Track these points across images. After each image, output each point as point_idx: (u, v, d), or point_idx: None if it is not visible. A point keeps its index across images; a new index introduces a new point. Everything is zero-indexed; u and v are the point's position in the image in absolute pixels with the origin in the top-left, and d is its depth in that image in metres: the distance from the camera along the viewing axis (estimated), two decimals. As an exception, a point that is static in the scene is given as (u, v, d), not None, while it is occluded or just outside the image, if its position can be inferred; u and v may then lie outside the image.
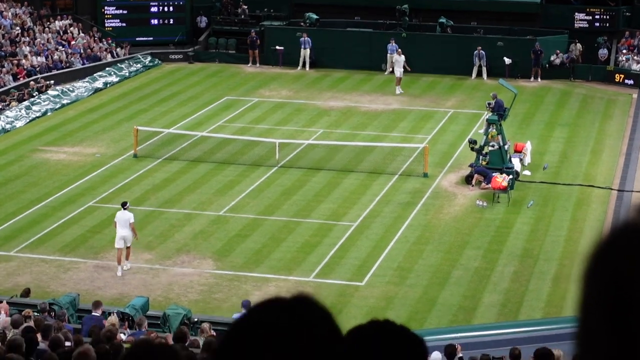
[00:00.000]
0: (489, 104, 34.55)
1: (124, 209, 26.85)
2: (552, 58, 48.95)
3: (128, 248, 26.81)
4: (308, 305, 2.39)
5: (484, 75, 48.36)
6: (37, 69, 46.15)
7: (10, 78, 44.45)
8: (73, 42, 49.62)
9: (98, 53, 49.65)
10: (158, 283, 26.25)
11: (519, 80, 47.53)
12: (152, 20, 53.51)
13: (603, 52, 49.50)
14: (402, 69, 45.69)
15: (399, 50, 46.60)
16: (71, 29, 50.81)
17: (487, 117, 34.99)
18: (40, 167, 35.40)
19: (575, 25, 50.96)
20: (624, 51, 49.06)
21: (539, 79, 48.23)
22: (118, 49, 50.94)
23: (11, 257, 27.70)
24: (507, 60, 48.14)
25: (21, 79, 44.76)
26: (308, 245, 28.55)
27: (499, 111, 34.21)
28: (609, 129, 40.64)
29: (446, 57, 48.87)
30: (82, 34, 50.61)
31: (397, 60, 45.99)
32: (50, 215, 30.72)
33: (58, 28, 50.51)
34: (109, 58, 49.84)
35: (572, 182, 34.07)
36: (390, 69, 48.54)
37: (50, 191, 32.85)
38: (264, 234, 29.40)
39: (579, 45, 49.12)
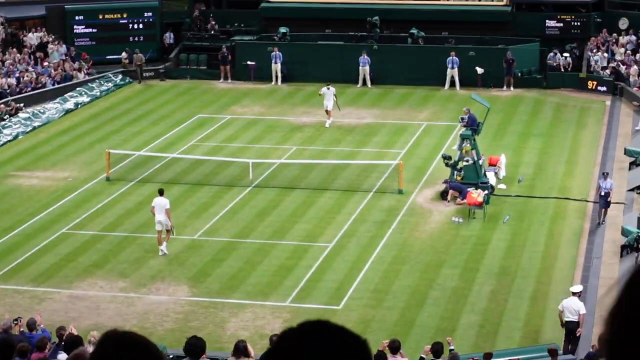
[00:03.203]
0: (462, 119, 34.45)
1: (160, 195, 29.21)
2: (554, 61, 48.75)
3: (168, 232, 28.97)
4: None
5: (457, 85, 48.26)
6: (7, 90, 45.76)
7: (-20, 101, 44.08)
8: (45, 64, 49.09)
9: (70, 72, 49.18)
10: (133, 312, 26.00)
11: (491, 89, 47.56)
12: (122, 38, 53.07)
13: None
14: (333, 102, 42.44)
15: (329, 86, 42.88)
16: (50, 46, 50.27)
17: (460, 132, 34.93)
18: (12, 194, 35.06)
19: (547, 32, 51.00)
20: (594, 50, 48.99)
21: (512, 88, 48.18)
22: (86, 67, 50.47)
23: (-16, 289, 27.38)
24: (480, 70, 48.08)
25: (-9, 101, 44.39)
26: (284, 269, 28.33)
27: (473, 126, 34.12)
28: (583, 138, 40.57)
29: (418, 68, 48.77)
30: (57, 52, 50.12)
31: (326, 94, 42.48)
32: (24, 244, 30.39)
33: (34, 42, 50.19)
34: (80, 77, 49.37)
35: (547, 194, 33.98)
36: (362, 82, 48.61)
37: (23, 218, 32.53)
38: (239, 258, 29.18)
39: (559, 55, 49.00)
